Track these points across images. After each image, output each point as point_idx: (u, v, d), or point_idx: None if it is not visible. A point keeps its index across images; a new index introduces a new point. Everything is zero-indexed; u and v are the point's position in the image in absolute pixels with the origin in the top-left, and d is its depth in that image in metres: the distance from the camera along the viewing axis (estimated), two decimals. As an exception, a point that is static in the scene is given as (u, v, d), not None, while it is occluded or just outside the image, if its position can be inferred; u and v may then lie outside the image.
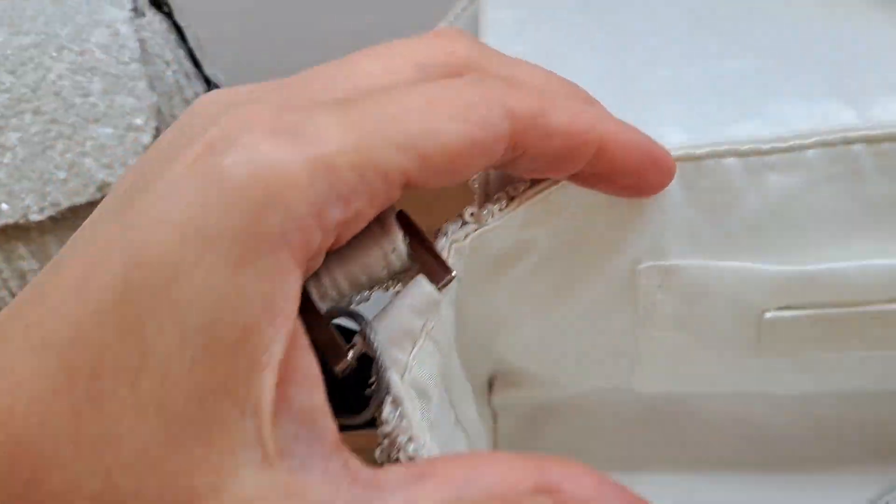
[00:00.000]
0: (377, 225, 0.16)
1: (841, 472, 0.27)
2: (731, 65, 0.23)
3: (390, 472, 0.15)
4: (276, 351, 0.14)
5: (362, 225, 0.15)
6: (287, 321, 0.14)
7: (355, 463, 0.15)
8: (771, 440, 0.28)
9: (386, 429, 0.16)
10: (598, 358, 0.25)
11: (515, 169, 0.18)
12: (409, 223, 0.17)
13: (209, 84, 0.33)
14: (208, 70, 0.34)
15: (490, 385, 0.28)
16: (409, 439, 0.16)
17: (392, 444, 0.16)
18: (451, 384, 0.21)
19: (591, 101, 0.19)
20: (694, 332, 0.23)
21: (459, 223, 0.18)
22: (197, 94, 0.33)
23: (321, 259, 0.15)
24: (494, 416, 0.28)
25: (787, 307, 0.21)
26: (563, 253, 0.21)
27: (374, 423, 0.17)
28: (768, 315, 0.22)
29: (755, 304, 0.22)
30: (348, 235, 0.15)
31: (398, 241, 0.17)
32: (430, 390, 0.18)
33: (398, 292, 0.17)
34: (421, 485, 0.14)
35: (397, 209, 0.17)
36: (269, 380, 0.14)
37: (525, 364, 0.26)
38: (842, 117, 0.20)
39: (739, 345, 0.23)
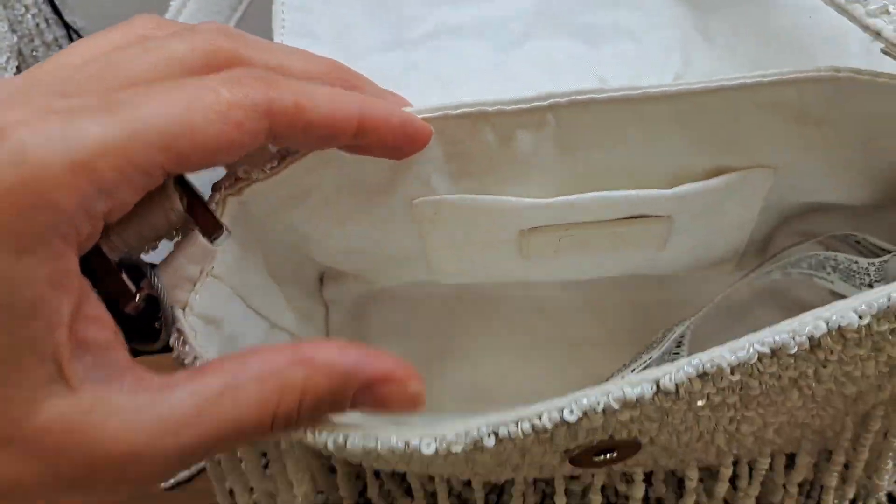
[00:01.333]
0: (158, 190, 0.20)
1: (615, 348, 0.32)
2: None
3: (177, 375, 0.19)
4: (65, 312, 0.17)
5: (129, 208, 0.18)
6: (70, 288, 0.17)
7: (149, 375, 0.19)
8: (560, 320, 0.33)
9: (175, 353, 0.20)
10: (400, 260, 0.30)
11: (283, 144, 0.21)
12: (186, 185, 0.21)
13: (69, 29, 0.35)
14: (68, 17, 0.35)
15: (321, 281, 0.33)
16: (195, 358, 0.20)
17: (181, 364, 0.20)
18: (255, 301, 0.25)
19: (353, 81, 0.21)
20: (468, 247, 0.27)
21: (233, 179, 0.22)
22: (56, 39, 0.34)
23: (100, 229, 0.19)
24: (326, 308, 0.33)
25: (536, 228, 0.26)
26: (344, 192, 0.25)
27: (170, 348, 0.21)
28: (523, 233, 0.26)
29: (511, 227, 0.26)
30: (121, 214, 0.19)
31: (175, 203, 0.20)
32: (219, 316, 0.22)
33: (178, 242, 0.21)
34: (200, 378, 0.18)
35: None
36: (62, 333, 0.17)
37: (342, 265, 0.30)
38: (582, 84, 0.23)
39: (508, 253, 0.28)
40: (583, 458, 0.21)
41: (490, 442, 0.18)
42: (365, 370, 0.19)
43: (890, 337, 0.18)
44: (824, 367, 0.19)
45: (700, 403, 0.19)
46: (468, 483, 0.28)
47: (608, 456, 0.21)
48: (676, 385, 0.18)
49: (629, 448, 0.21)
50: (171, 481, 0.36)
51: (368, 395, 0.19)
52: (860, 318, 0.17)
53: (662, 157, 0.24)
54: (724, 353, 0.18)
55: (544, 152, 0.23)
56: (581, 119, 0.22)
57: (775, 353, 0.18)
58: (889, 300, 0.17)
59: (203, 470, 0.36)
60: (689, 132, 0.23)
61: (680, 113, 0.22)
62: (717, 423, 0.21)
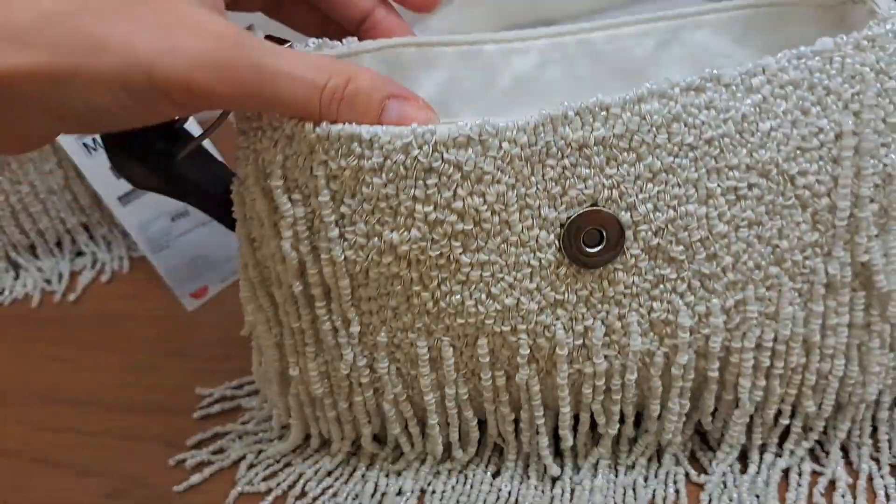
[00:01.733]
0: None
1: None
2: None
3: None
4: None
5: None
6: None
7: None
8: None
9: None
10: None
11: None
12: None
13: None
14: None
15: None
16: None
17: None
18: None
19: None
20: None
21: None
22: None
23: None
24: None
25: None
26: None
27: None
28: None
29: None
30: None
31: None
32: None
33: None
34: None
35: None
36: None
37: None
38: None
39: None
40: (575, 252, 0.28)
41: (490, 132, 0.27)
42: (396, 86, 0.28)
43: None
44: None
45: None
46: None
47: (598, 249, 0.28)
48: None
49: (616, 231, 0.28)
50: (184, 485, 0.38)
51: (395, 104, 0.27)
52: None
53: None
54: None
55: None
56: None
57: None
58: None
59: (214, 474, 0.39)
60: None
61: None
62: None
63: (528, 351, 0.30)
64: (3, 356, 0.49)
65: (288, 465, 0.38)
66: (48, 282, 0.56)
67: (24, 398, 0.45)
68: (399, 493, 0.36)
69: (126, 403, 0.44)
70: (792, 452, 0.34)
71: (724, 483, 0.34)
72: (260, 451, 0.39)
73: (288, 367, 0.34)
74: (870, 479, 0.34)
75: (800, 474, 0.34)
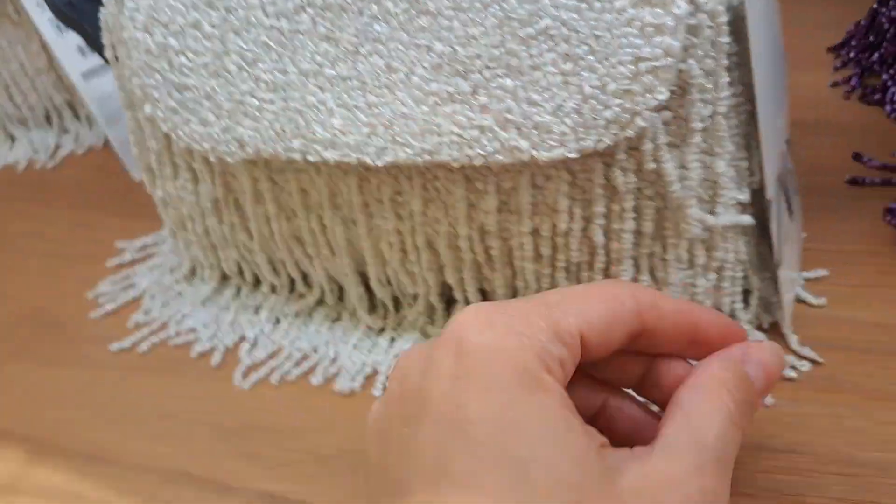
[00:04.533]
0: None
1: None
2: None
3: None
4: None
5: None
6: None
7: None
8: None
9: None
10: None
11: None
12: None
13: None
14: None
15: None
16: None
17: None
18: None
19: None
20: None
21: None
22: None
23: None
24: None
25: None
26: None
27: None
28: None
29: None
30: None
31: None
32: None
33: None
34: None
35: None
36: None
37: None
38: None
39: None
40: None
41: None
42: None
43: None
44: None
45: None
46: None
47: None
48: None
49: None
50: (99, 312, 0.45)
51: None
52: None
53: None
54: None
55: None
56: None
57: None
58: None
59: (126, 304, 0.45)
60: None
61: None
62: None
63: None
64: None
65: (179, 294, 0.45)
66: (35, 151, 0.64)
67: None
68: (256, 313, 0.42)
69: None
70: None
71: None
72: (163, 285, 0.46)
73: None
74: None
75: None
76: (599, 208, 0.32)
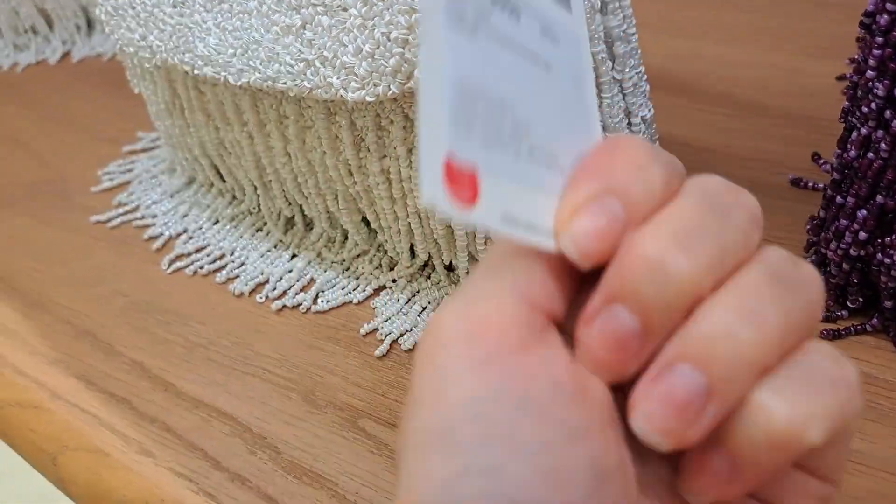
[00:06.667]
0: None
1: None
2: None
3: None
4: None
5: None
6: None
7: None
8: None
9: None
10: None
11: None
12: None
13: None
14: None
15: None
16: None
17: None
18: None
19: None
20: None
21: None
22: None
23: None
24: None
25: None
26: None
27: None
28: None
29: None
30: None
31: None
32: None
33: None
34: None
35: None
36: None
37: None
38: None
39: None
40: None
41: None
42: None
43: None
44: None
45: None
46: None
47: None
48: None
49: None
50: (100, 188, 0.52)
51: None
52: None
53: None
54: None
55: None
56: None
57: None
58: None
59: (124, 184, 0.52)
60: None
61: None
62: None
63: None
64: None
65: (160, 184, 0.50)
66: (92, 48, 0.74)
67: None
68: (203, 210, 0.47)
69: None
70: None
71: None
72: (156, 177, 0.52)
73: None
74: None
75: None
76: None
